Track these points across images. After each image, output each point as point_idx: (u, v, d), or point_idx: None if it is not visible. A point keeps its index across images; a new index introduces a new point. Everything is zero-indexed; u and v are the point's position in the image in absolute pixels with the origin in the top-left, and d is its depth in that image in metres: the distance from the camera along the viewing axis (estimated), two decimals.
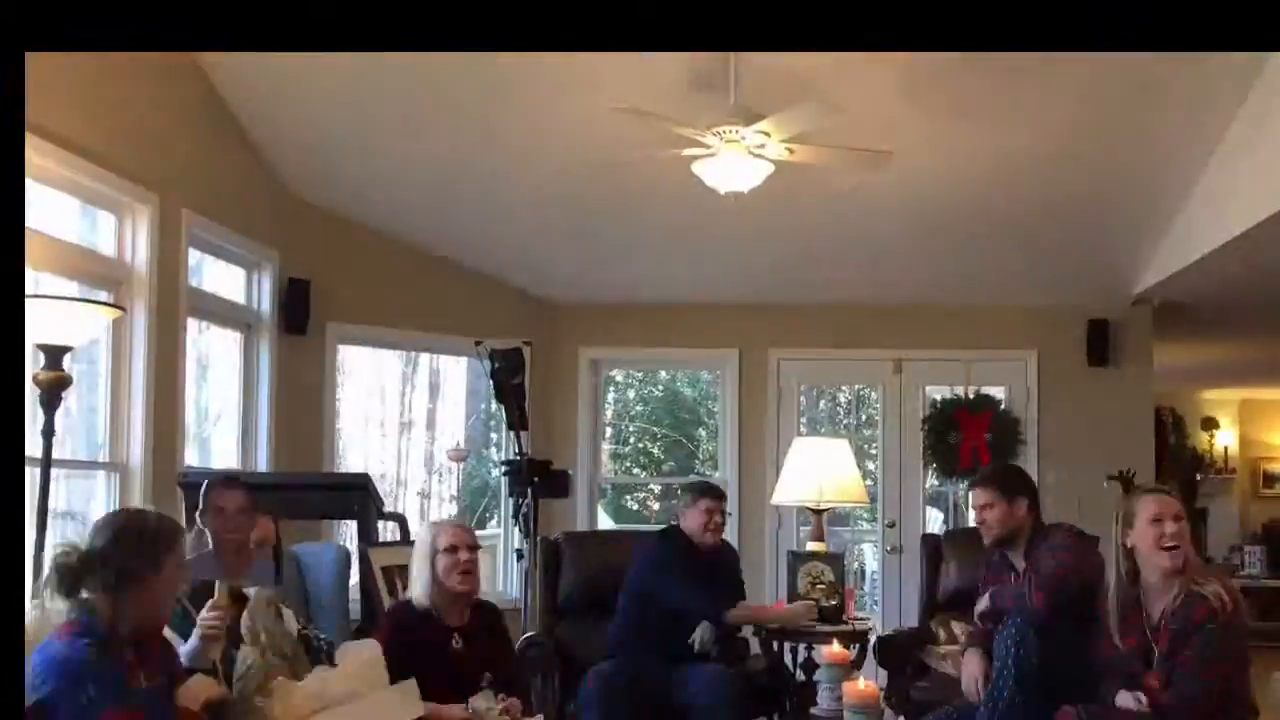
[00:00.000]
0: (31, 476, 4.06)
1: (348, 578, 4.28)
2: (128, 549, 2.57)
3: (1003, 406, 7.51)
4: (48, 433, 3.84)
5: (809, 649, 5.01)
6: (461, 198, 6.49)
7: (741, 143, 4.81)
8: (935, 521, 8.01)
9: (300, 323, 6.37)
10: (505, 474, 5.87)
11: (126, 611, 2.55)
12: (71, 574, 2.51)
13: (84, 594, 2.52)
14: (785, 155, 5.01)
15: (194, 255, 5.51)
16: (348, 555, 4.26)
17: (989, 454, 7.27)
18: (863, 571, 8.64)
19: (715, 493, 4.97)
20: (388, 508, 5.70)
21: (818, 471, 5.36)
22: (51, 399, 3.83)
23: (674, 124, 4.81)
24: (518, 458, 5.43)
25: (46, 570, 2.55)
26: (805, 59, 4.90)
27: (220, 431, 6.24)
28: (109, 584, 2.52)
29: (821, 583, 5.17)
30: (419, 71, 5.20)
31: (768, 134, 4.76)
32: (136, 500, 4.86)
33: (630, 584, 4.88)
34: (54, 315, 3.75)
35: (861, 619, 5.32)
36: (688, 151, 4.91)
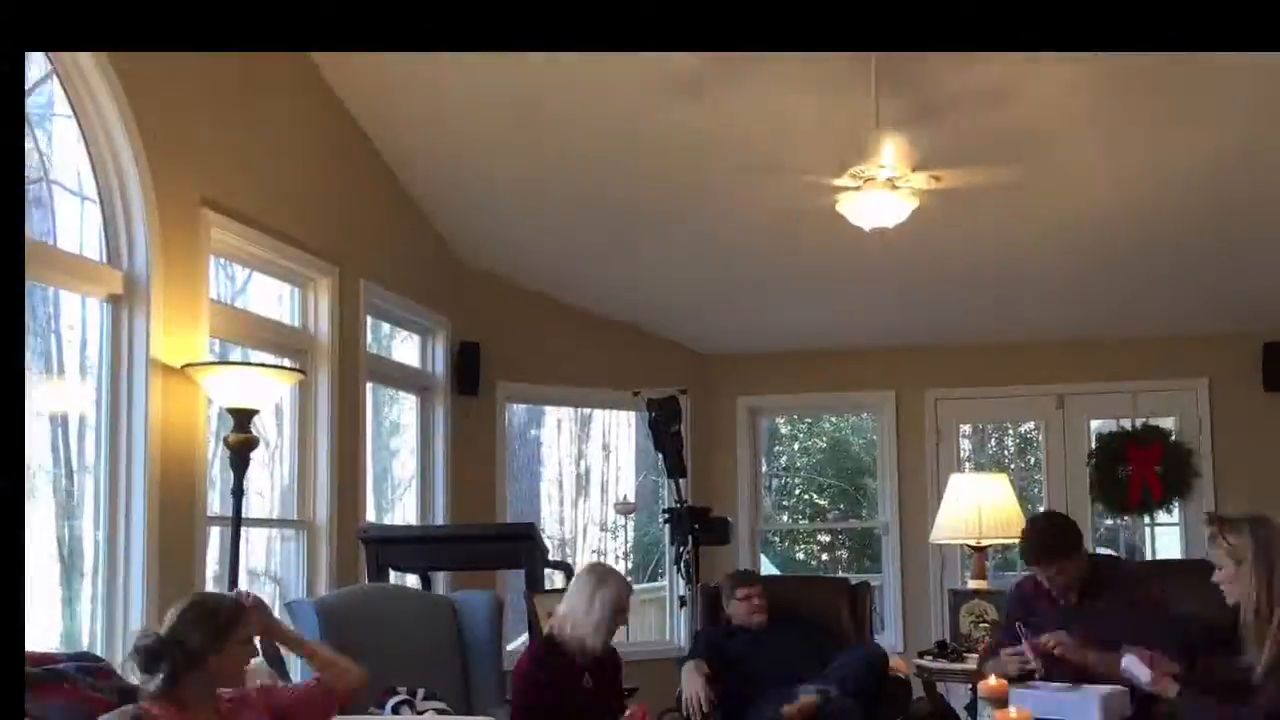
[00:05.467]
0: (223, 535, 4.41)
1: (499, 625, 4.48)
2: (193, 629, 2.69)
3: (1173, 438, 7.26)
4: (238, 492, 4.12)
5: (972, 690, 4.97)
6: (617, 258, 6.72)
7: (884, 180, 4.89)
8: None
9: (472, 384, 6.69)
10: (666, 521, 6.03)
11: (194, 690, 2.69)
12: (149, 655, 2.67)
13: (160, 675, 2.66)
14: (931, 184, 5.05)
15: (372, 322, 5.87)
16: (500, 603, 4.47)
17: (1161, 487, 7.06)
18: None
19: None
20: (555, 557, 5.90)
21: (976, 507, 5.32)
22: (241, 460, 4.13)
23: (816, 176, 4.94)
24: (677, 505, 5.59)
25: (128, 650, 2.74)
26: (951, 91, 4.94)
27: (400, 489, 6.59)
28: (179, 666, 2.65)
29: (984, 621, 5.12)
30: (576, 143, 5.47)
31: (907, 166, 4.83)
32: (323, 557, 5.18)
33: None
34: (239, 381, 4.08)
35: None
36: (834, 194, 5.00)
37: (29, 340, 4.00)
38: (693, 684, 4.68)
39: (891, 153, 4.95)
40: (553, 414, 8.86)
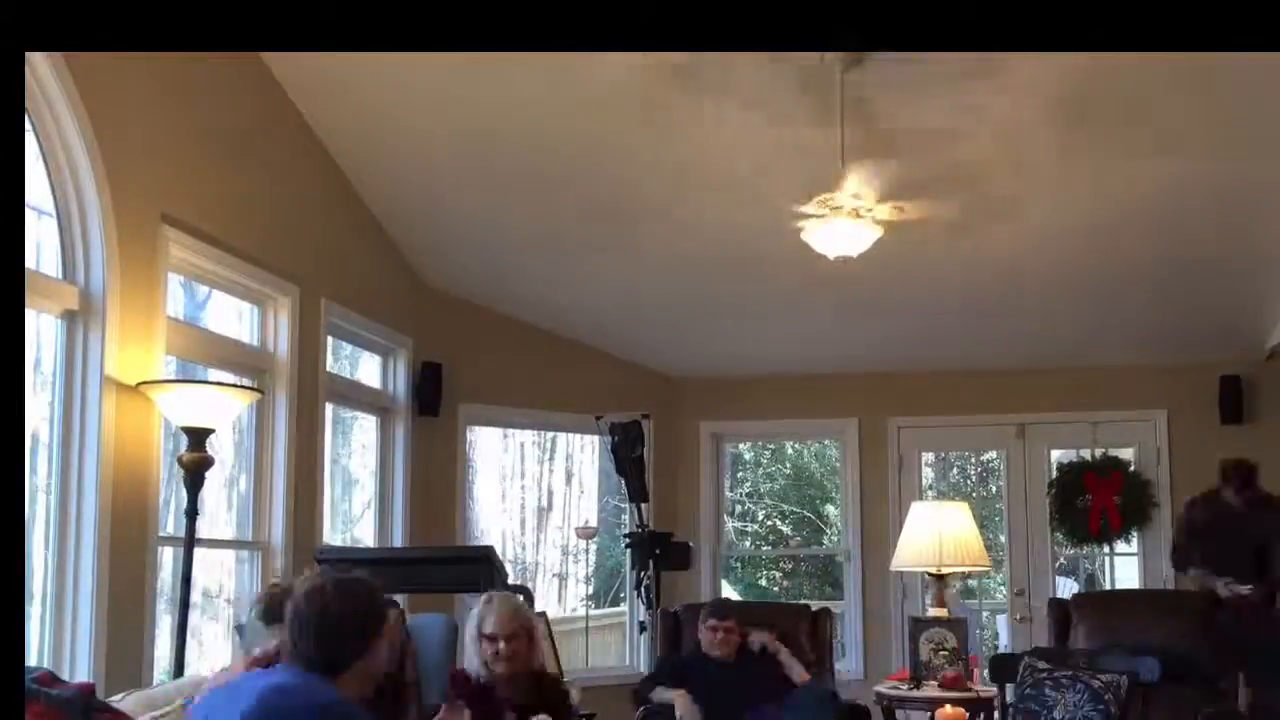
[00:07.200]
0: (176, 555, 4.35)
1: (454, 649, 4.44)
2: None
3: (1132, 468, 7.33)
4: (191, 512, 4.06)
5: (930, 718, 4.97)
6: (582, 281, 6.72)
7: (847, 209, 4.91)
8: (1068, 590, 7.83)
9: (433, 405, 6.65)
10: (628, 546, 6.02)
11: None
12: (276, 604, 2.72)
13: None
14: (893, 215, 5.08)
15: (332, 342, 5.83)
16: (455, 627, 4.42)
17: (1119, 517, 7.11)
18: (997, 644, 8.49)
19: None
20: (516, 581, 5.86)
21: (936, 535, 5.33)
22: (195, 480, 4.06)
23: (782, 204, 4.98)
24: (639, 530, 5.58)
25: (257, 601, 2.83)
26: (915, 122, 4.96)
27: (357, 511, 6.53)
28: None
29: (944, 649, 5.12)
30: (538, 163, 5.47)
31: (872, 196, 4.86)
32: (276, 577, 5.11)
33: None
34: (195, 399, 4.03)
35: (986, 688, 5.24)
36: (799, 222, 5.03)
37: None
38: (684, 707, 4.72)
39: (856, 183, 4.97)
40: (516, 437, 8.83)
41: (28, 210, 3.99)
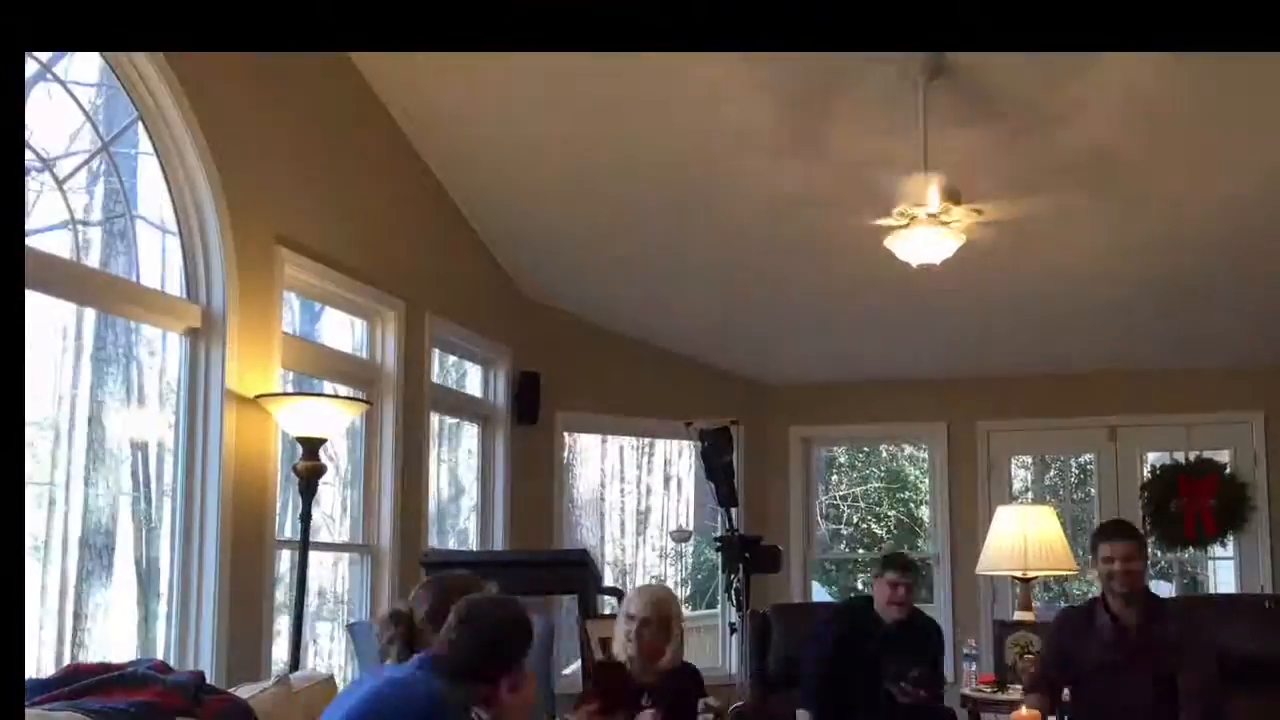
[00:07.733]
0: (292, 557, 4.63)
1: (551, 648, 4.60)
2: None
3: (1228, 471, 7.26)
4: (305, 517, 4.29)
5: None
6: (672, 289, 6.88)
7: (929, 217, 4.99)
8: (1164, 593, 7.77)
9: (531, 413, 6.86)
10: (718, 549, 6.16)
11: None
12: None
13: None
14: (973, 217, 5.14)
15: (438, 354, 6.07)
16: (551, 628, 4.59)
17: (1214, 521, 7.05)
18: None
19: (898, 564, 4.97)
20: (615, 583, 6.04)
21: (1022, 539, 5.38)
22: (309, 486, 4.30)
23: (866, 212, 5.06)
24: (728, 534, 5.72)
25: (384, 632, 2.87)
26: (1001, 125, 5.02)
27: (461, 515, 6.79)
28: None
29: (1030, 652, 5.18)
30: (633, 180, 5.66)
31: (955, 204, 4.92)
32: (386, 580, 5.38)
33: None
34: (308, 411, 4.29)
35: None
36: (883, 230, 5.12)
37: (110, 371, 4.27)
38: None
39: (936, 191, 5.05)
40: (614, 442, 9.03)
41: (156, 231, 4.31)
